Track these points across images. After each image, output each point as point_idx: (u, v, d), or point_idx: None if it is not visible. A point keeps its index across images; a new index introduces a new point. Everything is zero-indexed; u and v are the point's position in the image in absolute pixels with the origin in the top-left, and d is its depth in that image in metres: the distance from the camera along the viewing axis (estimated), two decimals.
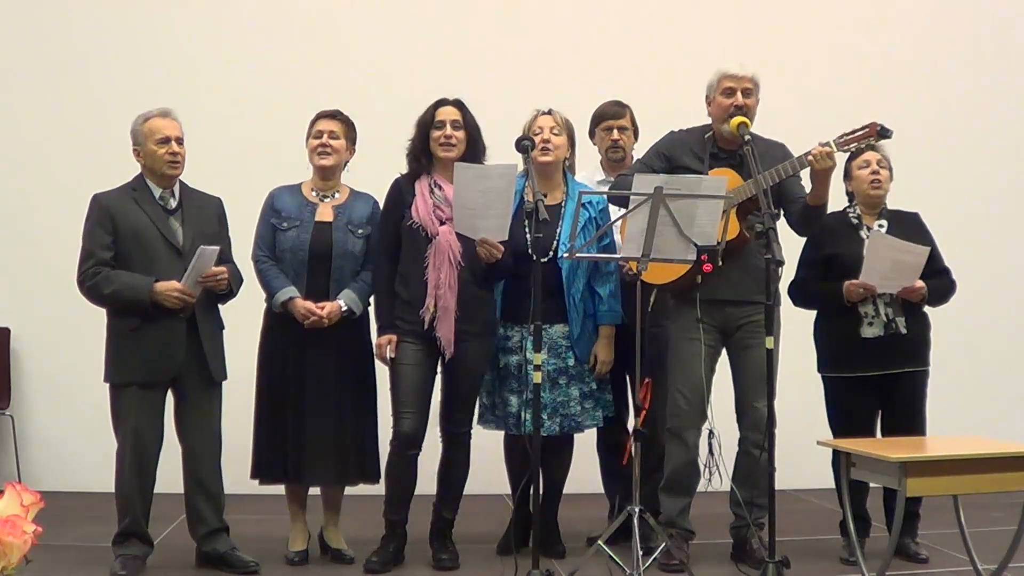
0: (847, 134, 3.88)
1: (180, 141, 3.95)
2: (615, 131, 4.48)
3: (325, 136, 4.14)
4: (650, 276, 4.02)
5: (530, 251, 3.76)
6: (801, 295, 4.28)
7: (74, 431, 5.43)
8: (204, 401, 3.97)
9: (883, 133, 3.83)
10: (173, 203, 3.97)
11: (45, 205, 5.57)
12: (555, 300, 4.09)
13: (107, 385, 3.93)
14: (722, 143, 4.09)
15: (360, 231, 4.14)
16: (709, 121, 4.15)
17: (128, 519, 3.89)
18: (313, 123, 4.19)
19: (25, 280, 5.67)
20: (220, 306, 4.07)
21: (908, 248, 4.04)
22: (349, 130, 4.21)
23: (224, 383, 4.04)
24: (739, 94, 4.01)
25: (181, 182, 4.04)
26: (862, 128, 3.87)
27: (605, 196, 4.20)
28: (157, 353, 3.85)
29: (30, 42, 5.81)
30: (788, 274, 4.17)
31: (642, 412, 3.84)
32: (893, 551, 3.67)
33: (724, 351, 4.17)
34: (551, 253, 4.12)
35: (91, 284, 3.86)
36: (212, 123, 5.63)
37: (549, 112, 4.26)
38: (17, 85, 5.80)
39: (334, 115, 4.20)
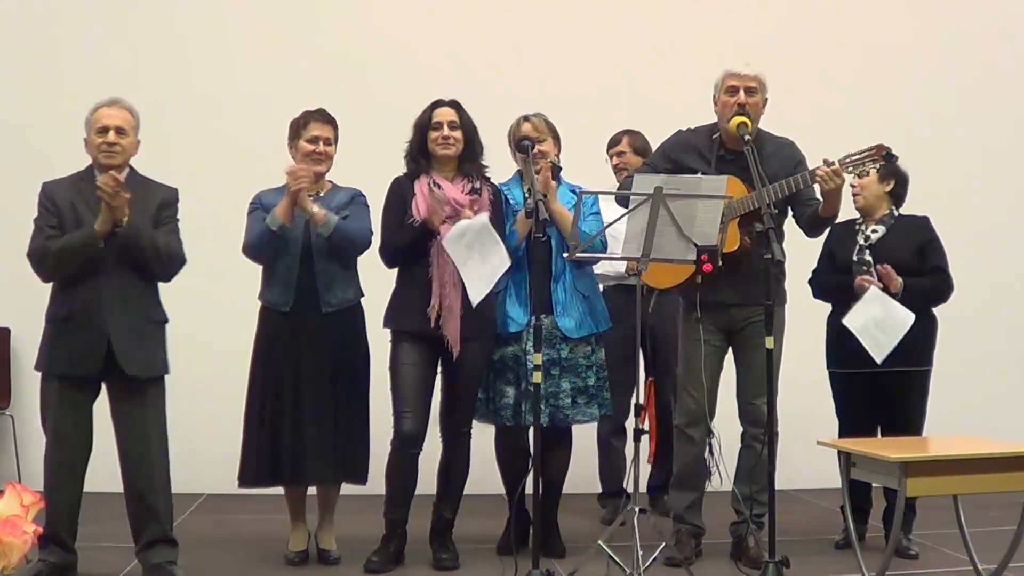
0: (852, 154, 3.88)
1: (121, 131, 3.75)
2: (614, 157, 4.91)
3: (321, 144, 4.08)
4: (651, 279, 4.04)
5: (535, 232, 3.69)
6: (816, 286, 4.43)
7: None
8: (135, 400, 3.74)
9: (888, 157, 3.86)
10: None
11: None
12: (548, 287, 4.10)
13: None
14: (729, 144, 4.09)
15: (342, 212, 4.06)
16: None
17: (51, 522, 3.60)
18: (305, 125, 4.09)
19: (25, 280, 5.60)
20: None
21: (895, 310, 4.13)
22: (337, 132, 4.16)
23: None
24: (742, 92, 4.00)
25: (132, 170, 3.86)
26: (868, 149, 3.87)
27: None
28: (81, 347, 3.68)
29: (27, 36, 5.80)
30: (795, 273, 4.21)
31: (643, 411, 3.86)
32: (893, 551, 3.67)
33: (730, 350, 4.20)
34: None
35: (39, 255, 3.75)
36: (210, 122, 5.66)
37: (528, 118, 4.23)
38: (16, 85, 5.80)
39: (329, 120, 4.12)
